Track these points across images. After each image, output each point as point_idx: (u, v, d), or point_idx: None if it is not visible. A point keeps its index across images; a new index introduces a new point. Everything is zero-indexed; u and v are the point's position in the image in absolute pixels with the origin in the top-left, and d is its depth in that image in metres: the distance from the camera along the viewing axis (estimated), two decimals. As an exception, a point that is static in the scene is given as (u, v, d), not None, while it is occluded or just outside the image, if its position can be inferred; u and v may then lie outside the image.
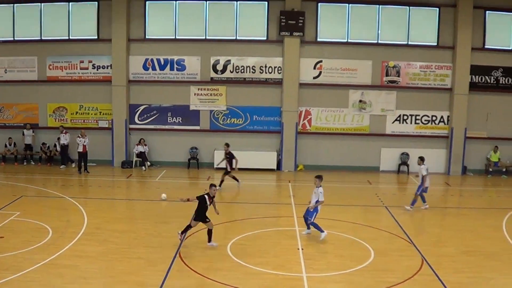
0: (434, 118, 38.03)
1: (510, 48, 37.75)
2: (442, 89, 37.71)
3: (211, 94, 36.81)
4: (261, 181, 34.12)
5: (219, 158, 35.18)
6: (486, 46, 37.56)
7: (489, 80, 37.97)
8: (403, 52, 37.41)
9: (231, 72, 36.84)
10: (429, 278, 18.71)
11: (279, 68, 36.78)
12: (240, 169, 33.47)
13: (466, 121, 37.60)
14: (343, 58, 37.15)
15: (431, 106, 37.87)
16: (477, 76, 37.77)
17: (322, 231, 21.86)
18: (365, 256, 20.45)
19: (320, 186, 22.14)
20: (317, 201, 22.02)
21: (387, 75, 37.42)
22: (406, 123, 37.89)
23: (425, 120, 37.96)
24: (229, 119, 37.06)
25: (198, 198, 20.89)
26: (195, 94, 36.83)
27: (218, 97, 36.80)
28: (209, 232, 20.78)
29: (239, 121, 37.05)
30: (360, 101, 37.31)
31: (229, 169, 30.58)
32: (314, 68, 37.04)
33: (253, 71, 36.80)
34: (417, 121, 37.95)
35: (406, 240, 22.71)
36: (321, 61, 37.04)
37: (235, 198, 29.37)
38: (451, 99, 37.60)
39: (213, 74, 36.83)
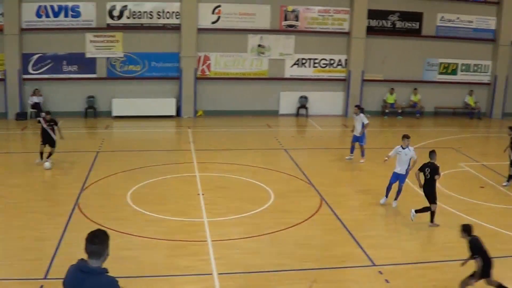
0: (332, 61, 38.42)
1: (406, -8, 38.41)
2: (340, 33, 38.05)
3: (107, 41, 36.07)
4: (160, 128, 33.85)
5: (117, 106, 34.82)
6: (382, -10, 38.11)
7: (385, 24, 38.52)
8: (301, -4, 37.58)
9: (128, 18, 36.04)
10: (327, 217, 19.17)
11: (177, 13, 36.22)
12: (138, 116, 33.33)
13: (363, 64, 38.15)
14: (242, 2, 36.90)
15: (329, 50, 38.21)
16: (374, 20, 38.26)
17: (396, 198, 20.53)
18: (265, 198, 20.71)
19: (408, 146, 20.42)
20: (408, 165, 20.34)
21: (285, 19, 37.47)
22: (305, 67, 38.13)
23: (323, 64, 38.30)
24: (126, 66, 36.41)
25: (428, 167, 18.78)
26: (90, 41, 36.00)
27: (115, 44, 36.13)
28: (432, 213, 18.95)
29: (137, 68, 36.50)
30: (259, 45, 37.29)
31: (54, 138, 25.63)
32: (213, 13, 36.71)
33: (151, 17, 36.15)
34: (315, 65, 38.23)
35: (305, 181, 23.09)
36: (219, 6, 36.71)
37: (134, 146, 28.93)
38: (348, 42, 38.02)
39: (109, 21, 36.01)
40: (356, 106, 27.52)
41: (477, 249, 13.37)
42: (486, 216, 19.84)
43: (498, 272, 15.33)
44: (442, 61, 39.78)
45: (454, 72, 40.12)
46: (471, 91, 40.03)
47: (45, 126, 25.36)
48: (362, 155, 26.72)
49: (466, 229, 13.51)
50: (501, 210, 21.00)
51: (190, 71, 36.21)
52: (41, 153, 25.32)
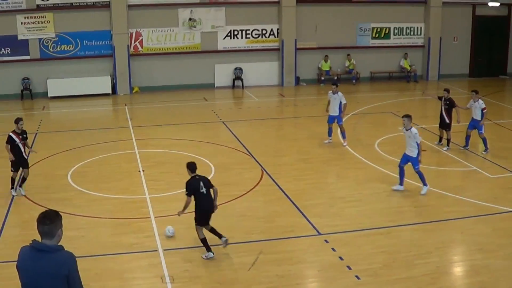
0: (264, 31, 38.33)
1: (336, -41, 38.44)
2: (270, 2, 37.91)
3: (38, 22, 35.36)
4: (96, 106, 33.43)
5: (52, 86, 34.31)
6: (311, -43, 38.09)
7: (316, -9, 38.59)
8: (229, -33, 37.33)
9: (57, -3, 35.49)
10: (270, 188, 19.26)
11: (106, -10, 35.76)
12: (75, 96, 32.94)
13: (295, 33, 38.10)
14: (171, -23, 36.59)
15: (261, 20, 38.07)
16: (304, -12, 38.27)
17: (425, 185, 18.98)
18: (206, 171, 20.59)
19: (411, 127, 19.00)
20: (417, 145, 18.78)
21: (198, -8, 37.22)
22: (237, 38, 37.96)
23: (256, 34, 38.20)
24: (59, 46, 35.76)
25: None
26: (22, 23, 35.30)
27: (46, 25, 35.42)
28: None
29: (69, 48, 35.90)
30: (190, 19, 36.98)
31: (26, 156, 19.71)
32: (142, -12, 36.31)
33: (80, -5, 35.62)
34: (247, 36, 38.10)
35: (245, 153, 23.12)
36: (148, -19, 36.34)
37: (72, 126, 28.44)
38: (279, 12, 37.93)
39: (39, 1, 35.22)
40: (334, 84, 25.11)
41: (191, 188, 14.50)
42: (430, 180, 20.10)
43: (443, 234, 15.66)
44: (375, 26, 39.96)
45: (387, 36, 40.38)
46: (405, 54, 40.32)
47: (18, 141, 18.94)
48: (344, 137, 24.56)
49: (189, 167, 14.78)
50: (444, 173, 21.37)
51: (123, 48, 35.79)
52: (14, 180, 19.17)
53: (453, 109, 23.46)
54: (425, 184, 18.92)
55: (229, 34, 37.78)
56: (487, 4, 40.89)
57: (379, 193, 18.97)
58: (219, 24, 37.43)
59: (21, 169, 19.07)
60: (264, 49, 38.43)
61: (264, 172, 20.66)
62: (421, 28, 40.77)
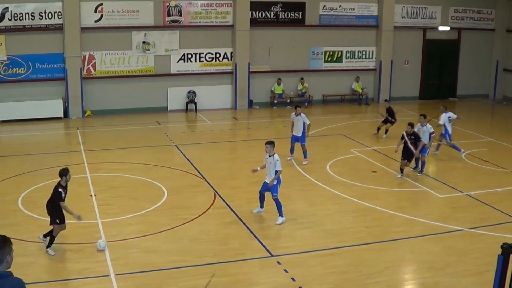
0: (218, 55, 38.44)
1: (286, -17, 38.80)
2: (224, 26, 38.07)
3: (-11, 45, 35.11)
4: (48, 130, 32.97)
5: (3, 110, 33.89)
6: (263, -18, 38.39)
7: (269, 16, 38.80)
8: (183, -9, 37.44)
9: (10, 20, 35.02)
10: (222, 211, 19.30)
11: (59, 13, 35.48)
12: (26, 120, 32.65)
13: (249, 56, 38.30)
14: (124, -1, 36.59)
15: (215, 43, 38.20)
16: (257, 12, 38.45)
17: (281, 215, 18.45)
18: (159, 195, 20.66)
19: (274, 153, 18.80)
20: (275, 172, 18.56)
21: (169, 15, 37.21)
22: (191, 61, 37.98)
23: (209, 58, 38.27)
24: (10, 69, 35.31)
25: None
26: (-29, 46, 35.05)
27: (-3, 47, 35.20)
28: None
29: (21, 71, 35.53)
30: (144, 42, 36.93)
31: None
32: (95, 11, 36.06)
33: (33, 18, 35.19)
34: (201, 59, 38.14)
35: (198, 176, 23.10)
36: (102, 4, 36.13)
37: (23, 151, 28.11)
38: (233, 35, 38.10)
39: (-11, 24, 35.11)
40: (297, 106, 25.77)
41: None
42: (380, 200, 20.38)
43: (393, 254, 15.79)
44: (327, 49, 40.41)
45: (339, 60, 40.81)
46: (357, 77, 40.78)
47: (64, 196, 16.53)
48: (305, 156, 25.21)
49: None
50: (394, 193, 21.63)
51: (75, 71, 35.51)
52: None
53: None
54: (281, 215, 18.51)
55: (182, 58, 37.79)
56: (437, 28, 41.77)
57: (330, 214, 19.15)
58: (173, 47, 37.45)
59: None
60: (218, 72, 38.52)
61: (217, 195, 20.69)
62: (373, 51, 41.32)
